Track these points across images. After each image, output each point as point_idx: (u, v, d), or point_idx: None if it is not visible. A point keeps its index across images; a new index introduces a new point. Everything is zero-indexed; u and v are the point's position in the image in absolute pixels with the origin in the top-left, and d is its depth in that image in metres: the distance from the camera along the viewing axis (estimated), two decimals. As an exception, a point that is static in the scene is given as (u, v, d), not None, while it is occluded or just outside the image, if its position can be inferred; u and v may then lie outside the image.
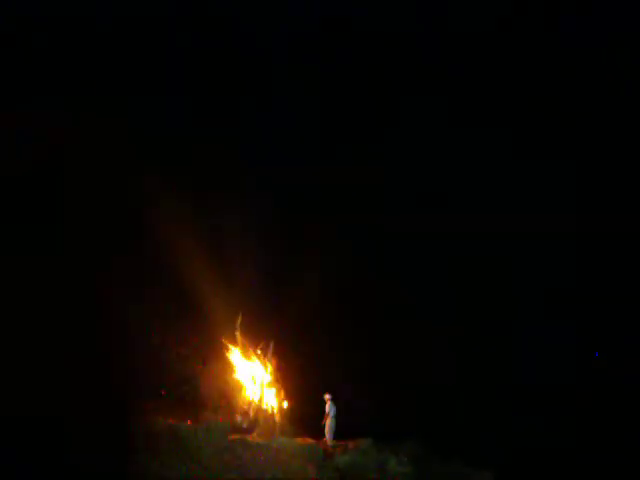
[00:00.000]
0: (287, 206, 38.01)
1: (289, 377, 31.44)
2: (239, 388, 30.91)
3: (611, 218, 40.85)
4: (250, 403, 30.64)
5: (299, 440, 29.66)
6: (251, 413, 30.45)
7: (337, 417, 30.44)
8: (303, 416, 31.07)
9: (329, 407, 30.52)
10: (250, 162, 37.63)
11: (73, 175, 32.21)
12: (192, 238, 32.02)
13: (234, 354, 31.22)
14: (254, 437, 29.35)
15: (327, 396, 30.70)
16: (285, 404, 31.11)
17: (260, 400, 30.64)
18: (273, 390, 31.02)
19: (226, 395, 30.77)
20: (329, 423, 30.36)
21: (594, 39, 43.32)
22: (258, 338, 31.35)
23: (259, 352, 31.22)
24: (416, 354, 36.01)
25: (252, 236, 34.75)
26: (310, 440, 29.90)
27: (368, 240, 39.12)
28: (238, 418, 30.30)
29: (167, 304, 31.60)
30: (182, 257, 31.43)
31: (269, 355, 31.19)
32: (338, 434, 30.49)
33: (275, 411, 30.68)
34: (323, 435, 30.41)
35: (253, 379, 31.01)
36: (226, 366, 31.17)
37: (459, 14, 42.79)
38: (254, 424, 30.15)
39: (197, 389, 30.67)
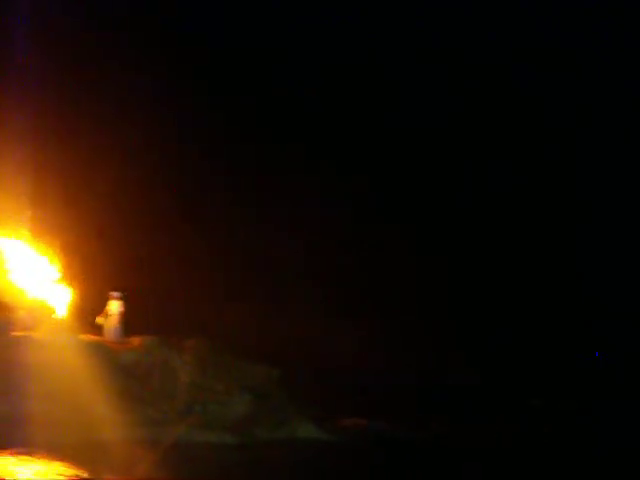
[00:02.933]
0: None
1: (76, 273, 30.89)
2: (24, 283, 30.09)
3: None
4: (35, 299, 29.91)
5: (84, 337, 29.38)
6: (36, 309, 29.74)
7: (123, 315, 30.59)
8: (89, 313, 30.74)
9: (115, 305, 30.51)
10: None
11: None
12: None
13: (18, 248, 30.23)
14: (39, 334, 28.75)
15: (114, 293, 30.58)
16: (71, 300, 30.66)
17: (45, 296, 29.96)
18: (59, 286, 30.36)
19: (9, 290, 29.87)
20: (114, 321, 30.38)
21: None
22: (46, 233, 30.49)
23: (46, 247, 30.35)
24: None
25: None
26: (95, 337, 29.75)
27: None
28: (22, 314, 29.53)
29: None
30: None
31: (56, 250, 30.39)
32: (126, 333, 30.58)
33: (61, 307, 30.13)
34: (110, 333, 30.43)
35: (39, 274, 30.20)
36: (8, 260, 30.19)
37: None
38: (39, 321, 29.52)
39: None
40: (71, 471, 21.54)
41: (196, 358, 30.09)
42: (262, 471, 24.62)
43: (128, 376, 28.57)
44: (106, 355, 28.82)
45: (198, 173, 41.60)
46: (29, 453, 23.08)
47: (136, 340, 30.06)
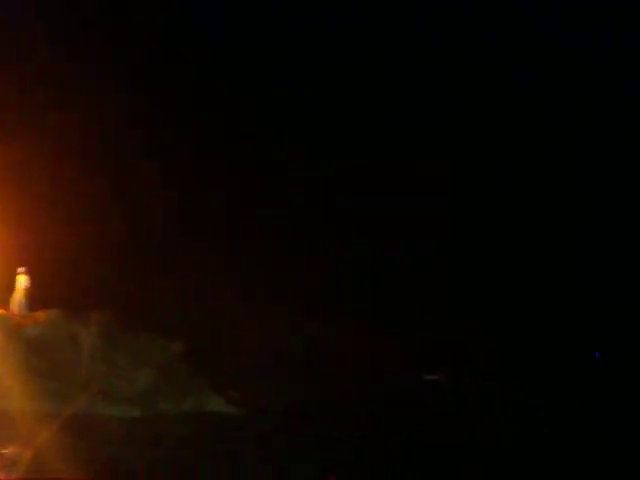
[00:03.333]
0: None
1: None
2: None
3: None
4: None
5: (-11, 310, 29.56)
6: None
7: (29, 289, 30.90)
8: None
9: (21, 279, 30.86)
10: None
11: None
12: None
13: None
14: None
15: (19, 269, 30.91)
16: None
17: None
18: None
19: None
20: (20, 295, 30.71)
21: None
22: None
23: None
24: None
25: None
26: (0, 311, 30.04)
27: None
28: None
29: None
30: None
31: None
32: (30, 306, 30.88)
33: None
34: (16, 307, 30.73)
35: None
36: None
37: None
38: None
39: None
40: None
41: (101, 331, 30.19)
42: (164, 444, 24.61)
43: (33, 349, 28.69)
44: (11, 328, 29.06)
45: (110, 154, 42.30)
46: None
47: (41, 314, 30.25)
